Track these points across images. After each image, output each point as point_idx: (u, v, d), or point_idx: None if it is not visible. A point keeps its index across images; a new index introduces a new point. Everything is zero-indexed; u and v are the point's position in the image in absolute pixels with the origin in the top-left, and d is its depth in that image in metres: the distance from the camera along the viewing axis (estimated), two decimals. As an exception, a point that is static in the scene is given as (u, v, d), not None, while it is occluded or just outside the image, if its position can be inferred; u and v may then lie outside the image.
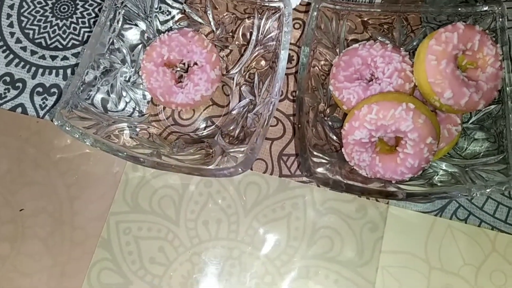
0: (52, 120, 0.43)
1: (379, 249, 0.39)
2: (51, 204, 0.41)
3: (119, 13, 0.40)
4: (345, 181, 0.34)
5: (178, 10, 0.44)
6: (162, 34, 0.41)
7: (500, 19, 0.36)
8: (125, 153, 0.35)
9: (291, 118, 0.43)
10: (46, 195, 0.41)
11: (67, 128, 0.35)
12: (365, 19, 0.40)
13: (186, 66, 0.42)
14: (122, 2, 0.40)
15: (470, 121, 0.38)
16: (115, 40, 0.41)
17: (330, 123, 0.40)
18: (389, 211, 0.40)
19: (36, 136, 0.43)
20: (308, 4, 0.45)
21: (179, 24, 0.43)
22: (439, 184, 0.35)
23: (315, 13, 0.37)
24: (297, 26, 0.45)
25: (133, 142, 0.38)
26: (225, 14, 0.42)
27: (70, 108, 0.36)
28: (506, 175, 0.33)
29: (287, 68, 0.43)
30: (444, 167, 0.37)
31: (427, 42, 0.35)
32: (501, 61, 0.35)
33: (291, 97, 0.43)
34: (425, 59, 0.34)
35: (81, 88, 0.38)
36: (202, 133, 0.42)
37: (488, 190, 0.33)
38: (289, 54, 0.43)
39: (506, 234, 0.39)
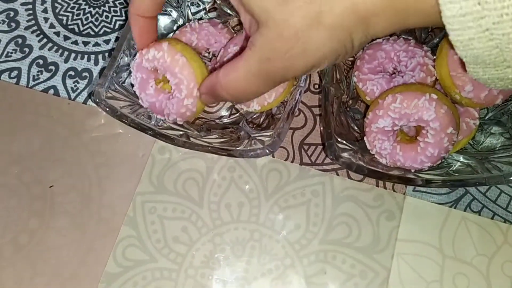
0: (89, 99, 0.44)
1: (395, 237, 0.41)
2: (80, 182, 0.43)
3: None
4: (367, 166, 0.36)
5: (208, 2, 0.46)
6: (193, 21, 0.43)
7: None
8: (157, 132, 0.37)
9: (313, 109, 0.44)
10: (76, 173, 0.43)
11: (104, 106, 0.36)
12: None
13: (211, 55, 0.43)
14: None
15: (487, 117, 0.40)
16: (148, 27, 0.43)
17: (352, 114, 0.42)
18: (406, 201, 0.41)
19: (67, 117, 0.45)
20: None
21: (208, 14, 0.45)
22: (456, 174, 0.37)
23: (343, 7, 0.39)
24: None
25: (163, 124, 0.40)
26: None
27: (106, 88, 0.37)
28: (522, 166, 0.34)
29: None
30: (461, 159, 0.38)
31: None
32: (520, 58, 0.36)
33: (314, 89, 0.45)
34: (448, 53, 0.36)
35: (116, 71, 0.39)
36: (227, 120, 0.43)
37: (504, 180, 0.34)
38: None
39: (518, 227, 0.40)
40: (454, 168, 0.37)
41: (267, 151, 0.35)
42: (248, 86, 0.29)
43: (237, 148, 0.36)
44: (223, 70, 0.30)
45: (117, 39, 0.47)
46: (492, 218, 0.41)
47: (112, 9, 0.49)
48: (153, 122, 0.39)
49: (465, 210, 0.41)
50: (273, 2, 0.25)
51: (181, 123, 0.40)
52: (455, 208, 0.41)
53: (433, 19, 0.23)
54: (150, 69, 0.38)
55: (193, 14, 0.45)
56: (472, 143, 0.39)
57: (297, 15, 0.25)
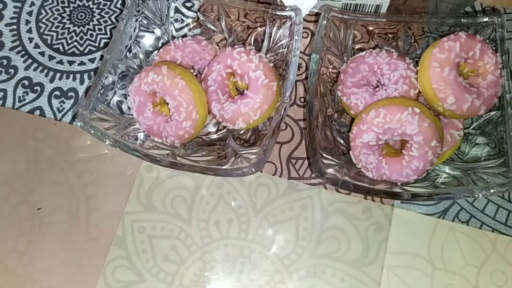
0: (73, 120, 0.44)
1: (384, 250, 0.41)
2: (68, 202, 0.43)
3: (136, 20, 0.42)
4: (353, 182, 0.36)
5: (192, 18, 0.46)
6: (177, 38, 0.43)
7: (500, 30, 0.38)
8: (142, 153, 0.37)
9: (300, 123, 0.45)
10: (63, 193, 0.43)
11: (88, 128, 0.36)
12: (371, 28, 0.42)
13: (196, 73, 0.43)
14: (139, 10, 0.42)
15: (472, 127, 0.40)
16: (132, 46, 0.43)
17: (337, 127, 0.42)
18: (394, 212, 0.41)
19: (53, 137, 0.45)
20: (316, 14, 0.47)
21: (192, 31, 0.45)
22: (442, 186, 0.37)
23: (325, 22, 0.39)
24: (305, 35, 0.47)
25: (149, 143, 0.40)
26: (237, 22, 0.44)
27: (90, 110, 0.37)
28: (506, 177, 0.34)
29: (296, 75, 0.45)
30: (447, 170, 0.38)
31: (431, 50, 0.37)
32: (500, 69, 0.37)
33: (300, 103, 0.45)
34: (429, 66, 0.36)
35: (101, 91, 0.39)
36: (214, 136, 0.43)
37: (490, 191, 0.34)
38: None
39: (506, 236, 0.40)
40: (440, 180, 0.38)
41: (253, 169, 0.35)
42: None
43: (224, 167, 0.36)
44: None
45: (102, 57, 0.47)
46: (480, 228, 0.41)
47: (96, 27, 0.49)
48: (139, 142, 0.39)
49: (453, 220, 0.41)
50: None
51: (178, 145, 0.40)
52: (443, 218, 0.41)
53: None
54: (148, 92, 0.39)
55: (177, 30, 0.46)
56: (457, 153, 0.40)
57: None
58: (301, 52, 0.46)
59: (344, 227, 0.41)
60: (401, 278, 0.40)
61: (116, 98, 0.42)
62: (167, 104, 0.39)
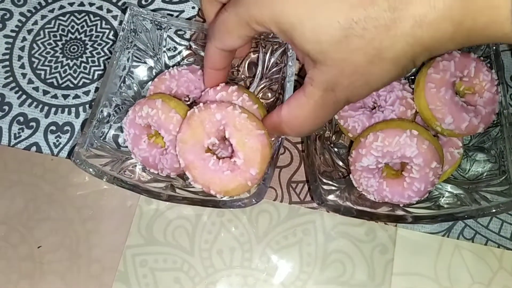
0: (70, 158, 0.44)
1: (390, 271, 0.40)
2: (68, 239, 0.42)
3: (129, 52, 0.42)
4: (355, 207, 0.35)
5: (184, 46, 0.46)
6: (172, 68, 0.43)
7: (494, 45, 0.38)
8: (140, 188, 0.37)
9: (298, 145, 0.44)
10: (62, 230, 0.42)
11: (85, 167, 0.36)
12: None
13: (191, 101, 0.43)
14: (131, 42, 0.42)
15: (471, 143, 0.40)
16: (126, 78, 0.43)
17: (336, 149, 0.41)
18: (398, 233, 0.41)
19: (51, 173, 0.44)
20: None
21: (187, 60, 0.45)
22: (445, 206, 0.37)
23: (318, 47, 0.39)
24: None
25: (147, 176, 0.39)
26: (230, 50, 0.44)
27: (87, 147, 0.37)
28: (509, 195, 0.34)
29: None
30: (449, 189, 0.38)
31: (425, 70, 0.37)
32: (497, 85, 0.37)
33: (297, 126, 0.45)
34: (425, 87, 0.36)
35: (97, 126, 0.39)
36: (212, 164, 0.43)
37: (493, 211, 0.34)
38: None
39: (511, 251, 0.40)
40: (443, 200, 0.37)
41: (254, 201, 0.35)
42: (314, 120, 0.30)
43: (223, 199, 0.36)
44: (285, 109, 0.31)
45: (96, 89, 0.47)
46: (485, 244, 0.40)
47: (90, 59, 0.49)
48: (137, 175, 0.39)
49: (458, 238, 0.41)
50: (328, 43, 0.25)
51: (174, 176, 0.39)
52: (448, 236, 0.41)
53: (504, 39, 0.24)
54: (143, 126, 0.38)
55: (170, 58, 0.45)
56: (458, 171, 0.39)
57: (356, 53, 0.25)
58: (296, 74, 0.46)
59: (348, 250, 0.41)
60: (409, 300, 0.39)
61: (112, 132, 0.42)
62: (163, 137, 0.39)
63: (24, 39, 0.50)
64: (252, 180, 0.34)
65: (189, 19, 0.50)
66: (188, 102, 0.43)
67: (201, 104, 0.36)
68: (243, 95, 0.37)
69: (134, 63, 0.43)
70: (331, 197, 0.36)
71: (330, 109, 0.29)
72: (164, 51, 0.45)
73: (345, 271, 0.40)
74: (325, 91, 0.27)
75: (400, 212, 0.37)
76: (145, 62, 0.44)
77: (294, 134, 0.32)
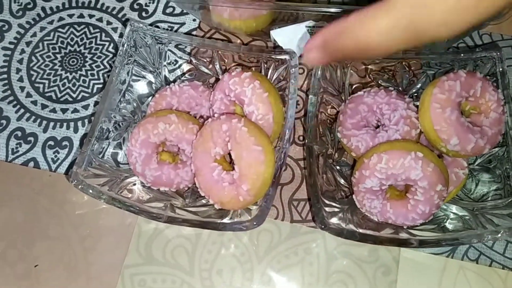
0: (66, 176, 0.43)
1: (393, 293, 0.39)
2: (66, 256, 0.42)
3: (129, 67, 0.41)
4: (358, 231, 0.35)
5: (185, 60, 0.45)
6: (173, 84, 0.42)
7: (500, 64, 0.37)
8: (138, 208, 0.36)
9: (300, 162, 0.44)
10: (60, 247, 0.42)
11: (83, 188, 0.35)
12: (368, 66, 0.42)
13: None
14: (131, 57, 0.41)
15: (476, 163, 0.39)
16: (126, 93, 0.42)
17: (338, 167, 0.41)
18: (401, 254, 0.40)
19: (49, 189, 0.44)
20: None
21: (187, 75, 0.44)
22: (450, 228, 0.36)
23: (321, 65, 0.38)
24: (300, 71, 0.46)
25: (146, 195, 0.39)
26: (232, 65, 0.43)
27: (85, 166, 0.36)
28: (515, 219, 0.33)
29: (297, 112, 0.44)
30: (454, 210, 0.37)
31: (430, 90, 0.36)
32: (503, 105, 0.36)
33: (299, 141, 0.44)
34: (430, 107, 0.35)
35: (95, 144, 0.38)
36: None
37: (499, 235, 0.33)
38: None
39: (517, 272, 0.39)
40: (448, 222, 0.37)
41: (255, 223, 0.34)
42: (389, 40, 0.23)
43: (224, 221, 0.35)
44: (355, 17, 0.24)
45: (96, 103, 0.47)
46: (490, 265, 0.40)
47: (89, 72, 0.48)
48: (135, 196, 0.38)
49: (462, 259, 0.40)
50: None
51: (187, 188, 0.39)
52: (452, 257, 0.40)
53: None
54: (158, 143, 0.38)
55: (170, 72, 0.45)
56: (464, 191, 0.39)
57: None
58: (299, 89, 0.45)
59: (351, 271, 0.40)
60: (412, 322, 0.38)
61: (111, 149, 0.41)
62: (169, 152, 0.39)
63: (23, 51, 0.49)
64: (244, 196, 0.34)
65: (190, 31, 0.49)
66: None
67: (216, 114, 0.38)
68: (255, 82, 0.37)
69: (134, 78, 0.43)
70: (333, 220, 0.35)
71: (411, 34, 0.22)
72: (165, 65, 0.44)
73: (348, 292, 0.40)
74: (412, 11, 0.22)
75: (404, 235, 0.36)
76: (144, 77, 0.43)
77: (355, 52, 0.25)
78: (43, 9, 0.51)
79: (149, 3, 0.51)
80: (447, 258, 0.40)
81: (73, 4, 0.51)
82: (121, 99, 0.41)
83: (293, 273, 0.40)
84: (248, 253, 0.41)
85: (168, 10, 0.50)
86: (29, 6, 0.51)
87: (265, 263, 0.41)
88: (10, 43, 0.49)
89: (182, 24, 0.50)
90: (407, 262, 0.40)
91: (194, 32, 0.49)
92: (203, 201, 0.39)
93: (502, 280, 0.39)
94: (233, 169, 0.35)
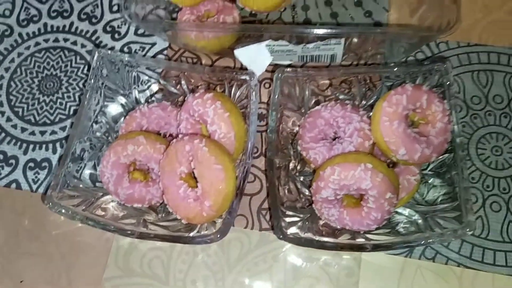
0: (43, 201, 0.46)
1: (357, 293, 0.42)
2: (49, 273, 0.44)
3: (100, 92, 0.44)
4: (316, 238, 0.37)
5: (155, 81, 0.48)
6: (142, 105, 0.44)
7: (446, 76, 0.40)
8: (112, 227, 0.38)
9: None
10: (43, 264, 0.44)
11: (57, 209, 0.38)
12: (326, 81, 0.44)
13: (162, 135, 0.45)
14: (102, 83, 0.43)
15: (428, 169, 0.42)
16: (98, 116, 0.44)
17: (301, 178, 0.43)
18: (363, 257, 0.43)
19: (31, 209, 0.46)
20: (276, 64, 0.49)
21: (155, 96, 0.47)
22: (403, 231, 0.39)
23: (278, 82, 0.41)
24: (267, 85, 0.49)
25: (121, 212, 0.41)
26: (198, 84, 0.45)
27: (60, 188, 0.39)
28: (459, 222, 0.36)
29: (260, 126, 0.47)
30: (407, 214, 0.40)
31: (380, 104, 0.38)
32: (448, 115, 0.38)
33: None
34: (380, 120, 0.38)
35: (70, 166, 0.41)
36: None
37: (443, 238, 0.36)
38: (261, 113, 0.47)
39: (471, 269, 0.42)
40: (402, 226, 0.39)
41: (219, 236, 0.37)
42: None
43: (190, 235, 0.38)
44: None
45: (72, 125, 0.49)
46: (446, 263, 0.42)
47: (65, 95, 0.50)
48: (109, 214, 0.40)
49: (419, 258, 0.42)
50: None
51: (159, 203, 0.42)
52: (410, 257, 0.42)
53: None
54: (128, 164, 0.40)
55: (140, 92, 0.47)
56: (416, 196, 0.41)
57: None
58: (264, 103, 0.48)
59: (316, 275, 0.43)
60: (374, 320, 0.41)
61: (87, 170, 0.43)
62: (141, 171, 0.41)
63: (2, 77, 0.52)
64: (207, 212, 0.36)
65: (161, 50, 0.51)
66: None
67: (180, 135, 0.40)
68: (216, 102, 0.39)
69: (107, 100, 0.45)
70: (292, 229, 0.37)
71: None
72: (135, 87, 0.46)
73: (314, 295, 0.42)
74: None
75: (361, 240, 0.38)
76: (116, 100, 0.45)
77: None
78: (20, 35, 0.53)
79: (121, 25, 0.53)
80: (405, 258, 0.43)
81: (48, 29, 0.53)
82: (95, 122, 0.44)
83: (262, 280, 0.43)
84: (219, 262, 0.44)
85: (140, 31, 0.52)
86: (6, 33, 0.53)
87: (236, 271, 0.43)
88: (-11, 69, 0.52)
89: (154, 44, 0.52)
90: (368, 263, 0.43)
91: (165, 52, 0.51)
92: (174, 216, 0.41)
93: (458, 277, 0.42)
94: (197, 186, 0.38)
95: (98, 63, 0.42)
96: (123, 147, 0.39)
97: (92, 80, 0.42)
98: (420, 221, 0.39)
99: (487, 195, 0.44)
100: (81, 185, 0.41)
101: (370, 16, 0.51)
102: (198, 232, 0.38)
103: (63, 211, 0.38)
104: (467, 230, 0.35)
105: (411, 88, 0.38)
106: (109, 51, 0.43)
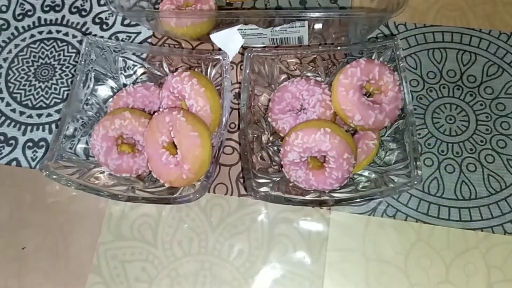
0: (41, 170, 0.51)
1: (325, 248, 0.47)
2: (48, 241, 0.49)
3: (90, 75, 0.48)
4: (284, 196, 0.42)
5: (140, 65, 0.52)
6: (128, 86, 0.49)
7: (397, 52, 0.45)
8: (105, 192, 0.43)
9: (244, 146, 0.51)
10: (43, 233, 0.49)
11: (54, 177, 0.42)
12: (292, 60, 0.49)
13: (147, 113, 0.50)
14: (92, 67, 0.48)
15: (386, 135, 0.47)
16: (89, 97, 0.49)
17: (275, 147, 0.48)
18: (331, 216, 0.48)
19: (30, 184, 0.51)
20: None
21: (141, 78, 0.51)
22: (363, 189, 0.43)
23: (248, 61, 0.46)
24: (242, 67, 0.53)
25: (111, 181, 0.46)
26: (179, 66, 0.50)
27: (55, 159, 0.44)
28: (408, 176, 0.41)
29: (238, 103, 0.51)
30: (367, 175, 0.45)
31: (338, 76, 0.43)
32: (399, 85, 0.43)
33: (242, 129, 0.51)
34: (337, 91, 0.42)
35: (64, 141, 0.46)
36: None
37: (397, 191, 0.41)
38: (237, 92, 0.52)
39: (428, 224, 0.47)
40: (362, 185, 0.44)
41: (198, 195, 0.41)
42: None
43: (173, 196, 0.42)
44: None
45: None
46: (405, 220, 0.47)
47: (59, 81, 0.55)
48: (102, 182, 0.45)
49: (381, 216, 0.47)
50: None
51: (146, 173, 0.47)
52: (373, 216, 0.47)
53: None
54: (116, 137, 0.45)
55: (126, 77, 0.52)
56: (376, 159, 0.46)
57: None
58: (238, 83, 0.52)
59: (289, 233, 0.48)
60: (341, 271, 0.46)
61: (80, 145, 0.48)
62: (128, 144, 0.46)
63: (1, 67, 0.56)
64: (186, 174, 0.41)
65: (146, 38, 0.56)
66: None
67: (161, 109, 0.44)
68: (193, 79, 0.44)
69: (97, 84, 0.50)
70: (263, 189, 0.42)
71: None
72: (121, 72, 0.51)
73: (287, 251, 0.47)
74: None
75: (325, 197, 0.43)
76: (106, 83, 0.50)
77: None
78: (16, 28, 0.58)
79: (109, 16, 0.58)
80: (369, 216, 0.47)
81: (42, 22, 0.58)
82: (86, 103, 0.49)
83: (241, 239, 0.48)
84: (203, 225, 0.48)
85: (126, 22, 0.57)
86: (3, 27, 0.58)
87: (217, 232, 0.48)
88: (-11, 60, 0.56)
89: (139, 33, 0.57)
90: (336, 222, 0.47)
91: (149, 40, 0.56)
92: (159, 183, 0.46)
93: (416, 231, 0.47)
94: (177, 153, 0.42)
95: (86, 48, 0.47)
96: (111, 121, 0.44)
97: (82, 64, 0.47)
98: (376, 179, 0.44)
99: (442, 159, 0.49)
100: (74, 158, 0.46)
101: (335, 2, 0.56)
102: (180, 194, 0.43)
103: (59, 178, 0.43)
104: (415, 182, 0.40)
105: (364, 62, 0.43)
106: (97, 38, 0.48)
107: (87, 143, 0.48)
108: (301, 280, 0.46)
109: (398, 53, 0.45)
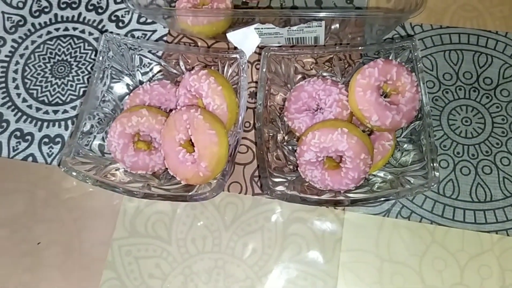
0: (59, 166, 0.51)
1: (339, 249, 0.47)
2: (62, 236, 0.49)
3: (106, 73, 0.49)
4: (300, 195, 0.42)
5: (156, 63, 0.52)
6: (145, 83, 0.49)
7: (415, 53, 0.45)
8: (121, 189, 0.43)
9: (258, 145, 0.51)
10: (57, 229, 0.49)
11: (72, 173, 0.43)
12: (309, 60, 0.49)
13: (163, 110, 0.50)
14: (109, 64, 0.48)
15: (402, 135, 0.46)
16: (105, 94, 0.49)
17: (290, 147, 0.48)
18: (345, 216, 0.48)
19: (46, 179, 0.51)
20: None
21: (157, 76, 0.52)
22: (378, 190, 0.43)
23: (265, 60, 0.46)
24: (258, 66, 0.54)
25: (127, 178, 0.46)
26: (195, 64, 0.50)
27: (73, 155, 0.44)
28: (426, 178, 0.41)
29: (253, 102, 0.51)
30: (382, 175, 0.45)
31: (355, 76, 0.43)
32: (416, 86, 0.43)
33: (257, 128, 0.51)
34: (354, 91, 0.42)
35: (81, 137, 0.46)
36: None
37: (414, 192, 0.41)
38: (253, 91, 0.52)
39: (443, 226, 0.47)
40: (377, 186, 0.44)
41: (214, 194, 0.41)
42: None
43: (190, 194, 0.42)
44: None
45: (82, 104, 0.54)
46: (420, 221, 0.47)
47: (75, 78, 0.55)
48: (118, 179, 0.45)
49: (396, 217, 0.47)
50: None
51: (162, 171, 0.47)
52: (387, 216, 0.47)
53: None
54: (132, 134, 0.45)
55: (143, 74, 0.52)
56: (392, 160, 0.46)
57: None
58: (254, 82, 0.53)
59: (303, 233, 0.48)
60: (354, 272, 0.46)
61: (96, 141, 0.48)
62: (144, 141, 0.46)
63: (17, 63, 0.57)
64: (203, 172, 0.41)
65: (161, 37, 0.56)
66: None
67: (178, 107, 0.45)
68: (210, 78, 0.44)
69: (113, 81, 0.50)
70: (279, 188, 0.42)
71: None
72: (138, 69, 0.51)
73: (301, 251, 0.47)
74: None
75: (340, 197, 0.43)
76: (122, 80, 0.50)
77: None
78: (33, 25, 0.58)
79: (125, 14, 0.58)
80: (383, 217, 0.47)
81: (59, 19, 0.58)
82: (102, 100, 0.49)
83: (254, 238, 0.48)
84: (216, 223, 0.48)
85: (142, 20, 0.57)
86: (20, 23, 0.59)
87: (231, 231, 0.48)
88: (6, 56, 0.57)
89: (154, 31, 0.57)
90: (350, 222, 0.47)
91: (165, 38, 0.56)
92: (175, 181, 0.46)
93: (430, 233, 0.47)
94: (194, 150, 0.43)
95: (104, 45, 0.47)
96: (128, 118, 0.44)
97: (100, 61, 0.47)
98: (393, 180, 0.43)
99: (457, 161, 0.49)
100: (91, 154, 0.46)
101: (351, 2, 0.56)
102: (196, 191, 0.43)
103: (77, 174, 0.43)
104: (432, 184, 0.40)
105: (382, 62, 0.43)
106: (115, 35, 0.48)
107: (103, 139, 0.48)
108: (314, 280, 0.46)
109: (416, 54, 0.45)
